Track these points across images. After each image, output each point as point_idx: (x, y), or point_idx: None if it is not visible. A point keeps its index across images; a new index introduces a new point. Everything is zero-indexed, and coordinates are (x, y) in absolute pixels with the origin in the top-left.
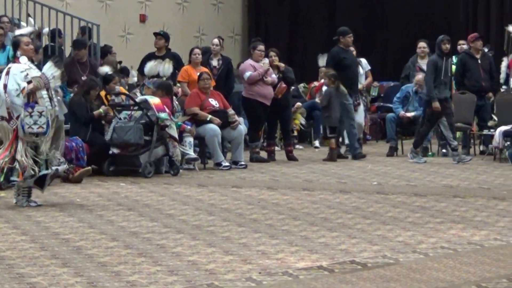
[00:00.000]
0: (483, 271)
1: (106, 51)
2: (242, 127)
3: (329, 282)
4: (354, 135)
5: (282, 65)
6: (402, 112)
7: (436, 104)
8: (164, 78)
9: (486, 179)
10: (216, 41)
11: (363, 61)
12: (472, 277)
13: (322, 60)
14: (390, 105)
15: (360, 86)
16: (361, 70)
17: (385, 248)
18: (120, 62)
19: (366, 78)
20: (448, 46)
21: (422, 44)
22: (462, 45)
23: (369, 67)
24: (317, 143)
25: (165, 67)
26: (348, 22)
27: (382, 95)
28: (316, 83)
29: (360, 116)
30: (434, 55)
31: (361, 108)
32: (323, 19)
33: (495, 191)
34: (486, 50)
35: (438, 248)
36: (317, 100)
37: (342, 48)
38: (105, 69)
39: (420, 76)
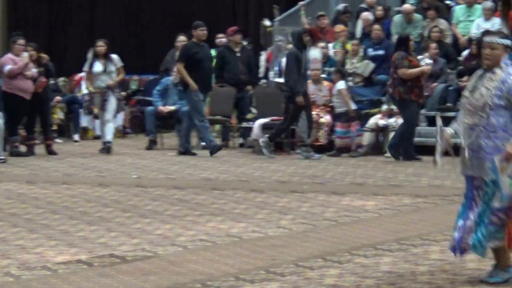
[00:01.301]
0: (242, 263)
1: None
2: (1, 121)
3: (88, 275)
4: (205, 128)
5: (46, 57)
6: (161, 107)
7: (300, 99)
8: None
9: (245, 172)
10: None
11: (115, 57)
12: (230, 269)
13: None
14: (150, 99)
15: (111, 83)
16: (112, 67)
17: (144, 241)
18: None
19: (118, 74)
20: (308, 38)
21: (181, 38)
22: (221, 39)
23: (122, 64)
24: (76, 137)
25: None
26: (107, 14)
27: (141, 88)
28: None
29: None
30: (293, 47)
31: (111, 104)
32: (83, 11)
33: (253, 184)
34: (245, 43)
35: (197, 241)
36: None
37: (194, 42)
38: None
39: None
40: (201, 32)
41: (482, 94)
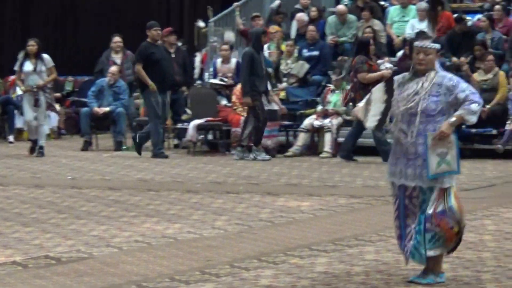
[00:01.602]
0: (177, 264)
1: None
2: None
3: (23, 277)
4: (157, 133)
5: None
6: (96, 108)
7: (248, 100)
8: None
9: (180, 173)
10: None
11: (46, 57)
12: (165, 270)
13: None
14: (85, 100)
15: (41, 83)
16: (43, 67)
17: (79, 243)
18: None
19: (49, 74)
20: (266, 39)
21: (117, 39)
22: None
23: (53, 64)
24: (11, 138)
25: None
26: (42, 15)
27: (76, 89)
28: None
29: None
30: (249, 47)
31: (42, 104)
32: (17, 12)
33: (188, 185)
34: (179, 44)
35: (132, 242)
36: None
37: (150, 43)
38: None
39: (114, 68)
40: (155, 32)
41: (419, 99)
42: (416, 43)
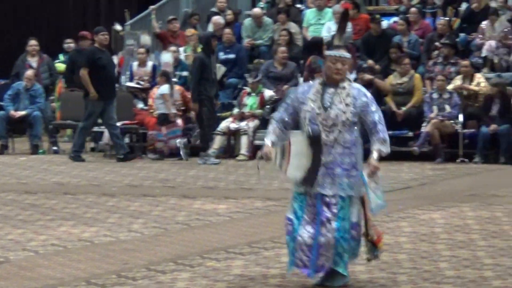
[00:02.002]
0: (93, 267)
1: None
2: None
3: None
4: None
5: None
6: (12, 111)
7: (196, 107)
8: None
9: (96, 176)
10: None
11: None
12: (82, 273)
13: None
14: (1, 103)
15: None
16: None
17: None
18: None
19: None
20: (216, 43)
21: (33, 42)
22: (70, 44)
23: None
24: None
25: None
26: None
27: None
28: None
29: None
30: (200, 52)
31: None
32: None
33: (105, 188)
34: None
35: (48, 246)
36: None
37: (97, 48)
38: None
39: (29, 72)
40: (103, 37)
41: (340, 110)
42: (333, 52)
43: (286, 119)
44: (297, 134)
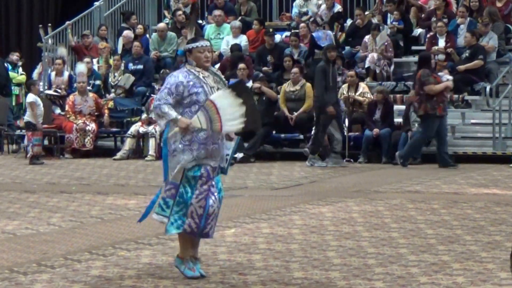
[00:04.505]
0: (16, 257)
1: None
2: None
3: None
4: None
5: None
6: None
7: (331, 109)
8: None
9: (18, 175)
10: None
11: None
12: (5, 262)
13: None
14: None
15: None
16: None
17: None
18: None
19: None
20: (333, 53)
21: None
22: None
23: None
24: None
25: None
26: None
27: None
28: None
29: None
30: (322, 62)
31: None
32: None
33: (26, 185)
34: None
35: None
36: None
37: None
38: None
39: None
40: None
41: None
42: (200, 44)
43: (172, 102)
44: (218, 92)
